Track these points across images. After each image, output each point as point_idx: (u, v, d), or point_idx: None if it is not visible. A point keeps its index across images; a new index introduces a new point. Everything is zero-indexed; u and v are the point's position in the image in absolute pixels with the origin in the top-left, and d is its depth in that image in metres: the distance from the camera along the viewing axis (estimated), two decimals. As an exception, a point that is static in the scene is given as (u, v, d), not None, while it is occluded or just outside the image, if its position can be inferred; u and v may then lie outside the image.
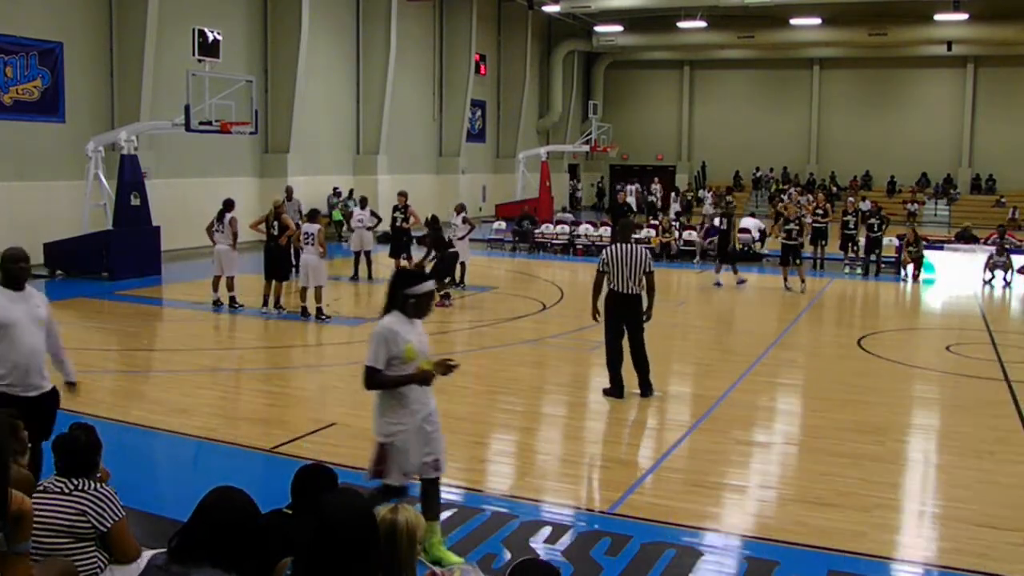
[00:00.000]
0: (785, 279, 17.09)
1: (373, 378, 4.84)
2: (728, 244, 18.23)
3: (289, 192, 18.10)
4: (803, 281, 16.79)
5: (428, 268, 15.22)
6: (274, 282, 13.50)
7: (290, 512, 3.87)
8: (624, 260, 8.65)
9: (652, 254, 9.50)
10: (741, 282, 17.55)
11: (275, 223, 13.53)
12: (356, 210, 17.93)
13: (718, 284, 17.59)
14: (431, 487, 5.05)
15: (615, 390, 8.94)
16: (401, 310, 4.93)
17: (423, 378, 4.88)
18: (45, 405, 5.44)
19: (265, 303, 13.54)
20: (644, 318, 8.90)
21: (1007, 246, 19.21)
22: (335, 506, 2.99)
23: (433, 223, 14.98)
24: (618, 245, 8.80)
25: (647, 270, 8.74)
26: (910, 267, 18.84)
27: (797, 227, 17.26)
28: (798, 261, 17.10)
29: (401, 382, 4.85)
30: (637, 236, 19.72)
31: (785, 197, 22.89)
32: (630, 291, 8.74)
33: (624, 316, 8.82)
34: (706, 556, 5.35)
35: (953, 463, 7.27)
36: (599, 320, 9.01)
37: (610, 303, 8.85)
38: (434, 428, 5.00)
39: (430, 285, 5.02)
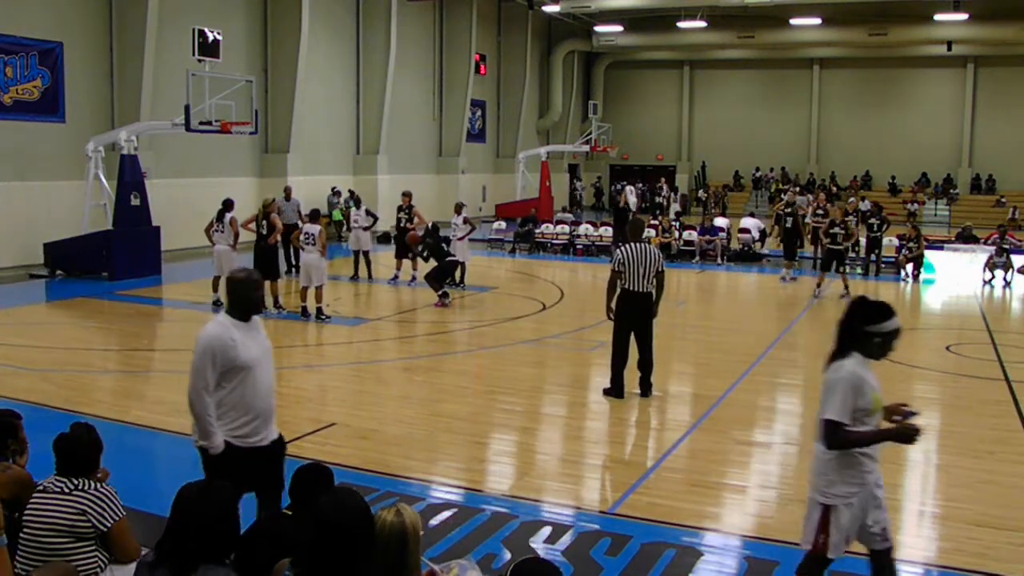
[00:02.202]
0: (819, 285, 16.34)
1: (840, 435, 3.94)
2: (795, 243, 18.40)
3: (288, 192, 18.07)
4: (847, 287, 16.05)
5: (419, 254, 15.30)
6: (268, 282, 13.47)
7: (290, 513, 3.87)
8: (639, 260, 8.69)
9: None
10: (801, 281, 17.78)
11: (264, 222, 13.54)
12: (353, 210, 17.96)
13: (785, 280, 17.97)
14: (884, 559, 4.30)
15: (615, 390, 8.95)
16: (862, 351, 4.07)
17: (905, 435, 4.00)
18: (277, 452, 4.77)
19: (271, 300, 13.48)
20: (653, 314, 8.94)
21: (1007, 246, 19.19)
22: (333, 506, 2.99)
23: (433, 232, 14.95)
24: (631, 245, 8.83)
25: (660, 269, 8.79)
26: (909, 267, 18.84)
27: (843, 231, 16.44)
28: (843, 268, 16.41)
29: (874, 439, 4.04)
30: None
31: (784, 197, 22.82)
32: (643, 290, 8.77)
33: (636, 315, 8.84)
34: (706, 556, 5.35)
35: (953, 463, 7.28)
36: (612, 319, 9.03)
37: (622, 303, 8.87)
38: (882, 493, 4.22)
39: (897, 321, 4.17)
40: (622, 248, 8.92)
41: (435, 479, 6.69)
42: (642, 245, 8.87)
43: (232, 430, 4.47)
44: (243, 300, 4.56)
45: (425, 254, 14.95)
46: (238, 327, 4.50)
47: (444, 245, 15.00)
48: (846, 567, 5.19)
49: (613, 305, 8.94)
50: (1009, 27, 30.89)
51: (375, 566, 2.96)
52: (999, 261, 18.34)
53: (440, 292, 14.42)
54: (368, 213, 17.28)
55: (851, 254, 18.14)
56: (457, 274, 15.99)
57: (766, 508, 6.24)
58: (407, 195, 16.94)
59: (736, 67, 40.76)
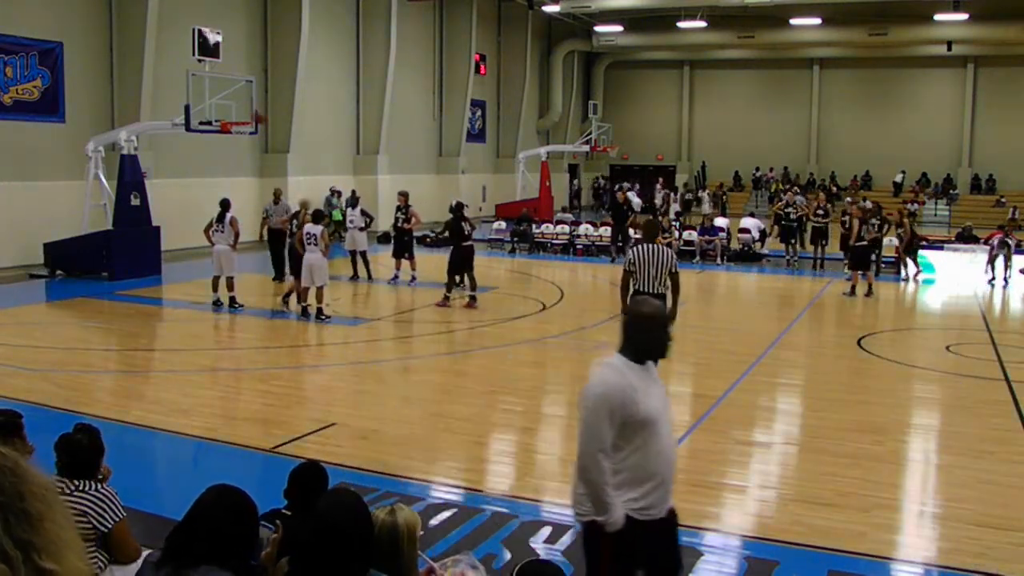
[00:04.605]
0: (864, 286, 16.27)
1: None
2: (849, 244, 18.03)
3: (277, 195, 17.30)
4: (870, 286, 16.16)
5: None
6: (294, 280, 13.50)
7: (288, 513, 3.87)
8: (650, 260, 8.68)
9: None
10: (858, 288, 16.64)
11: (295, 223, 13.60)
12: (348, 210, 17.89)
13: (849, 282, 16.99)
14: None
15: None
16: None
17: None
18: (673, 525, 3.88)
19: (294, 300, 13.42)
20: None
21: (1009, 240, 18.94)
22: (332, 505, 3.00)
23: (457, 209, 14.59)
24: (644, 245, 8.85)
25: (672, 270, 8.76)
26: (911, 265, 18.76)
27: (878, 222, 16.34)
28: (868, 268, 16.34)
29: None
30: (638, 236, 19.75)
31: (784, 197, 22.88)
32: (655, 291, 8.75)
33: None
34: (706, 556, 5.35)
35: (953, 463, 7.27)
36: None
37: None
38: None
39: None
40: (634, 248, 8.96)
41: (435, 479, 6.69)
42: (654, 246, 8.88)
43: (629, 501, 3.61)
44: (651, 341, 3.73)
45: (445, 233, 14.69)
46: (635, 371, 3.66)
47: (464, 223, 14.47)
48: (846, 567, 5.20)
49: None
50: (1009, 27, 30.88)
51: (368, 562, 2.97)
52: (1000, 252, 18.14)
53: (447, 293, 14.34)
54: (363, 213, 17.23)
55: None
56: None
57: (766, 508, 6.23)
58: (403, 195, 16.90)
59: (736, 67, 40.75)
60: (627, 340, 3.73)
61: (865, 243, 16.47)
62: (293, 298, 13.44)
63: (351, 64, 26.67)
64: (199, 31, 16.41)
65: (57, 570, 1.37)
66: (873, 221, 19.40)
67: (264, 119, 20.89)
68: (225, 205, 13.59)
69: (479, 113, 34.22)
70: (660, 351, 3.73)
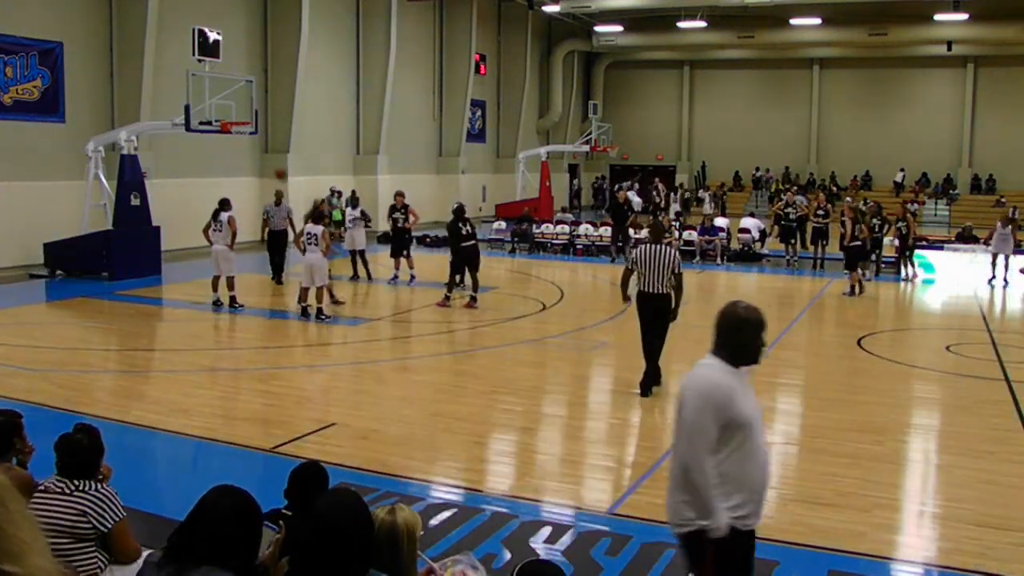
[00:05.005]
0: (858, 284, 16.35)
1: None
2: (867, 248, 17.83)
3: (279, 196, 16.97)
4: (861, 284, 16.28)
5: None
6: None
7: (289, 513, 3.87)
8: (653, 260, 8.72)
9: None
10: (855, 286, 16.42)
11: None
12: (348, 209, 17.90)
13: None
14: None
15: (650, 380, 9.01)
16: None
17: None
18: (754, 540, 3.71)
19: (326, 297, 13.35)
20: (670, 318, 8.95)
21: (1013, 225, 18.82)
22: (332, 505, 2.99)
23: (456, 211, 14.45)
24: (648, 245, 8.91)
25: (675, 271, 8.80)
26: (910, 267, 18.74)
27: (879, 222, 16.54)
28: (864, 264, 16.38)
29: None
30: (638, 236, 19.76)
31: (784, 197, 22.88)
32: (657, 291, 8.80)
33: (650, 315, 8.88)
34: (706, 556, 5.34)
35: (953, 463, 7.28)
36: (630, 302, 9.24)
37: (639, 303, 8.98)
38: None
39: None
40: (638, 248, 9.05)
41: (435, 479, 6.69)
42: (659, 246, 8.92)
43: (729, 509, 3.48)
44: (747, 344, 3.62)
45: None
46: (732, 374, 3.59)
47: (462, 225, 14.28)
48: (846, 567, 5.20)
49: (631, 294, 9.13)
50: (1009, 27, 30.88)
51: (368, 562, 2.96)
52: (1004, 234, 18.01)
53: (446, 294, 14.31)
54: (363, 213, 17.23)
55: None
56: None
57: (766, 508, 6.22)
58: (400, 194, 16.89)
59: (736, 67, 40.75)
60: (722, 343, 3.63)
61: (858, 243, 16.50)
62: (326, 295, 13.27)
63: (351, 64, 26.67)
64: (199, 31, 16.41)
65: (19, 572, 1.34)
66: (874, 221, 19.45)
67: (283, 174, 22.30)
68: (224, 204, 13.58)
69: (479, 113, 34.22)
70: (755, 356, 3.62)
